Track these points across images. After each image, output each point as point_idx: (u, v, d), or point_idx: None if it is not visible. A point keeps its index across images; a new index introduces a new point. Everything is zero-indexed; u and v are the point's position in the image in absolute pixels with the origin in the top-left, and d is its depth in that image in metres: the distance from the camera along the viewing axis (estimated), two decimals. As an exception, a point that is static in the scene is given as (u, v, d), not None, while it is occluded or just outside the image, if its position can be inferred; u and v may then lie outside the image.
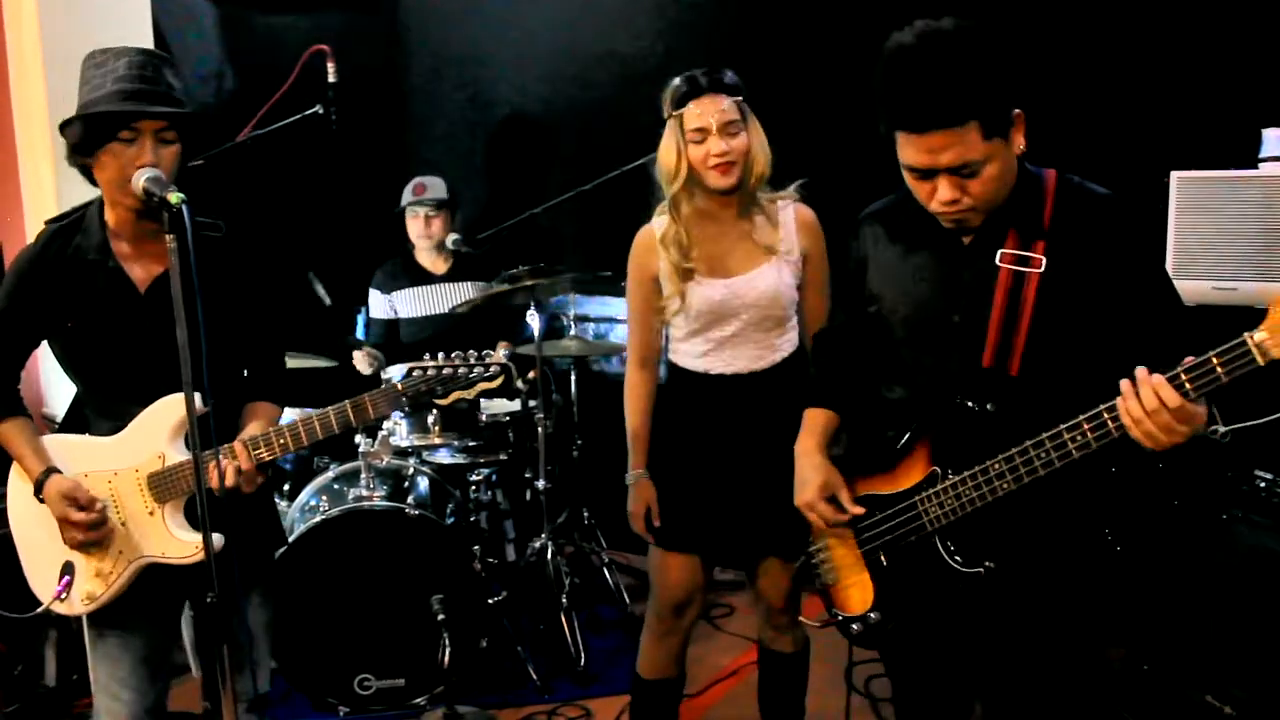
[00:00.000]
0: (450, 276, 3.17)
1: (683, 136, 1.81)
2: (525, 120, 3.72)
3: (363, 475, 2.58)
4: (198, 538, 1.49)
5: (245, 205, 2.16)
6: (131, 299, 1.56)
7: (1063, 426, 1.22)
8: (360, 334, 3.30)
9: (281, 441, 1.54)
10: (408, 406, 2.67)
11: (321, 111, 2.84)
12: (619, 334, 3.51)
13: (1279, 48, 2.38)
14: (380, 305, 3.19)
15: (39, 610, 1.60)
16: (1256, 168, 2.29)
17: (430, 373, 1.54)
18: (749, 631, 2.76)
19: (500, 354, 1.56)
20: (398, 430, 2.73)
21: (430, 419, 2.73)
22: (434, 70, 3.89)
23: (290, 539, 2.43)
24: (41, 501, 1.56)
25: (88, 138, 1.46)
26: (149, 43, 2.86)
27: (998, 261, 1.32)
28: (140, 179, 1.43)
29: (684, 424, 1.93)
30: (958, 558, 1.36)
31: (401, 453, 2.75)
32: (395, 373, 1.59)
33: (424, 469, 2.75)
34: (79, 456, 1.59)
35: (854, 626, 1.48)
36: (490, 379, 1.54)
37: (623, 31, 3.43)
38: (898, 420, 1.43)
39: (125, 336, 1.56)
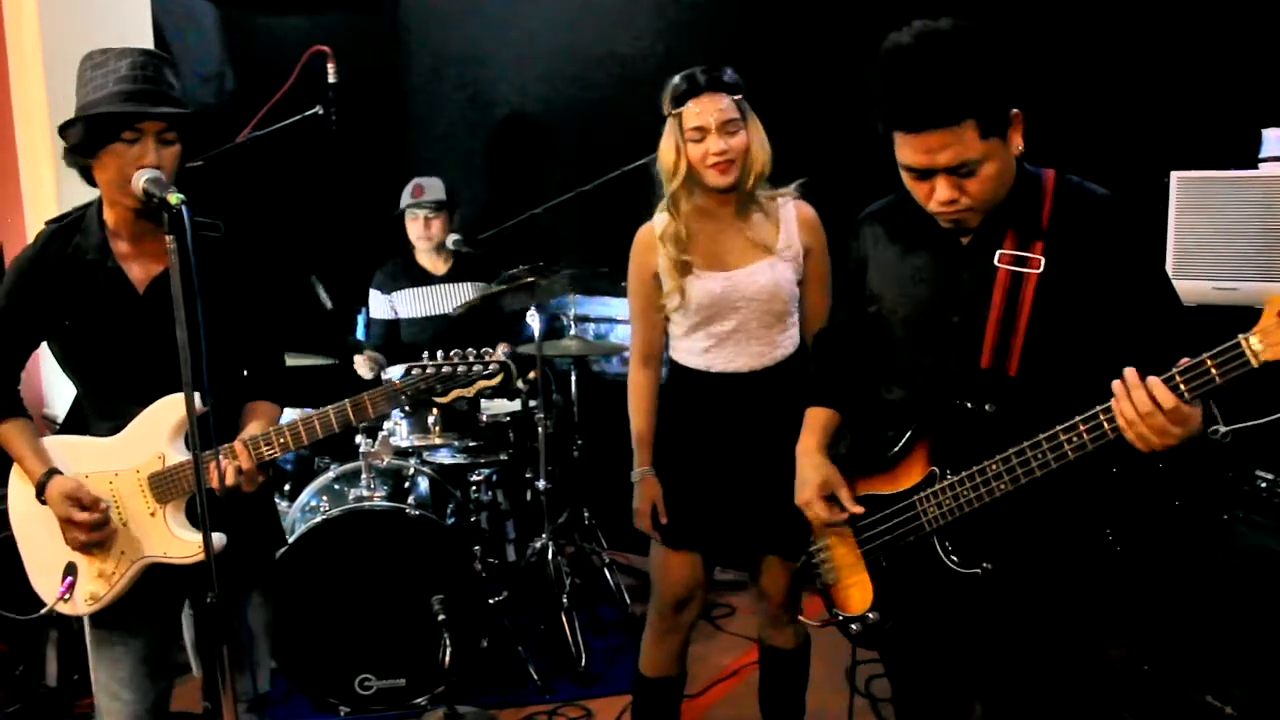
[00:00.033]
0: (450, 277, 3.17)
1: (682, 135, 1.81)
2: (525, 120, 3.72)
3: (363, 475, 2.58)
4: (200, 537, 1.49)
5: (245, 206, 2.16)
6: (130, 299, 1.56)
7: (1059, 428, 1.22)
8: (360, 334, 3.31)
9: (282, 441, 1.54)
10: (408, 405, 2.69)
11: (321, 112, 2.84)
12: (619, 334, 3.51)
13: (1279, 47, 2.38)
14: (380, 305, 3.19)
15: (43, 611, 1.60)
16: (1257, 168, 2.29)
17: (429, 371, 1.54)
18: (750, 632, 2.76)
19: (500, 353, 1.56)
20: (398, 430, 2.73)
21: (431, 419, 2.73)
22: (434, 70, 3.90)
23: (291, 539, 2.43)
24: (43, 503, 1.56)
25: (89, 138, 1.46)
26: (149, 43, 2.86)
27: (996, 262, 1.32)
28: (140, 180, 1.43)
29: (686, 423, 1.93)
30: (955, 558, 1.36)
31: (402, 453, 2.75)
32: (395, 373, 1.59)
33: (424, 469, 2.75)
34: (79, 457, 1.59)
35: (853, 626, 1.48)
36: (489, 377, 1.54)
37: (623, 31, 3.43)
38: (897, 420, 1.43)
39: (124, 336, 1.56)
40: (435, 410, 2.72)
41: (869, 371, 1.50)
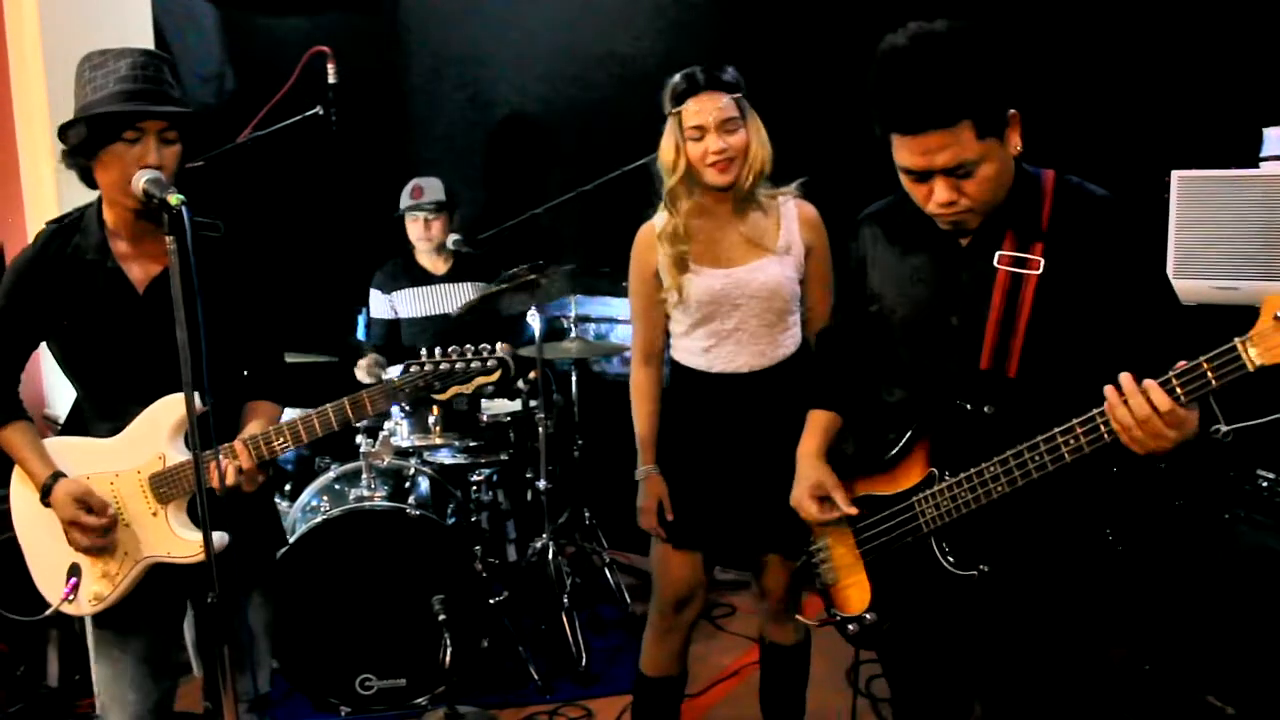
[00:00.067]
0: (451, 277, 3.17)
1: (681, 133, 1.81)
2: (525, 120, 3.72)
3: (364, 475, 2.58)
4: (201, 536, 1.49)
5: (246, 206, 2.16)
6: (130, 299, 1.56)
7: (1056, 431, 1.23)
8: (361, 334, 3.31)
9: (281, 440, 1.54)
10: (407, 403, 2.69)
11: (322, 112, 2.85)
12: (619, 334, 3.51)
13: (1279, 47, 2.38)
14: (381, 305, 3.19)
15: (48, 613, 1.61)
16: (1257, 167, 2.29)
17: (428, 368, 1.54)
18: (750, 632, 2.76)
19: (499, 350, 1.56)
20: (399, 430, 2.73)
21: (431, 419, 2.73)
22: (434, 70, 3.90)
23: (292, 539, 2.43)
24: (47, 505, 1.56)
25: (90, 139, 1.46)
26: (149, 43, 2.86)
27: (995, 263, 1.32)
28: (140, 180, 1.43)
29: (687, 423, 1.93)
30: (952, 559, 1.36)
31: (402, 453, 2.75)
32: (395, 373, 1.59)
33: (425, 469, 2.76)
34: (80, 459, 1.59)
35: (851, 627, 1.48)
36: (488, 374, 1.54)
37: (623, 31, 3.43)
38: (897, 421, 1.43)
39: (124, 337, 1.56)
40: (436, 410, 2.72)
41: (870, 372, 1.50)
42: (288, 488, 2.91)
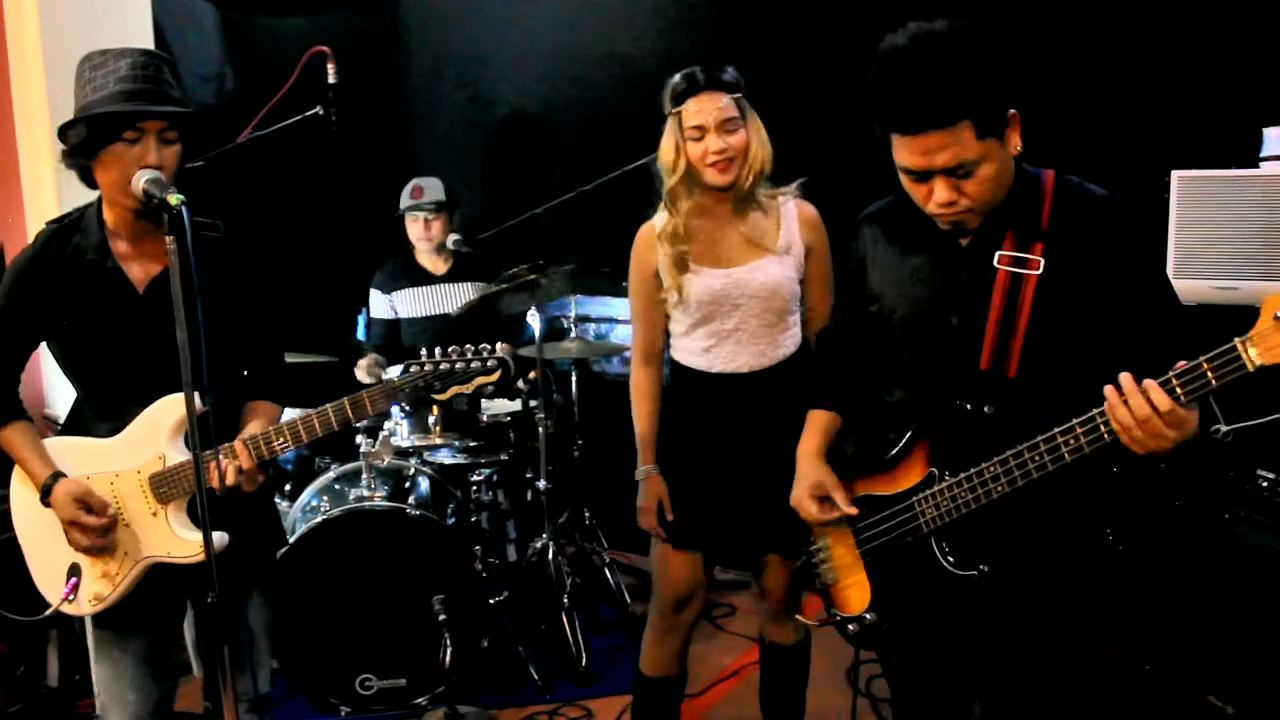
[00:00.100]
0: (451, 277, 3.17)
1: (681, 133, 1.82)
2: (525, 120, 3.72)
3: (364, 475, 2.58)
4: (201, 536, 1.49)
5: (246, 206, 2.16)
6: (130, 299, 1.56)
7: (1056, 431, 1.23)
8: (361, 334, 3.31)
9: (281, 440, 1.54)
10: (407, 402, 2.69)
11: (322, 112, 2.84)
12: (619, 334, 3.51)
13: (1279, 46, 2.38)
14: (381, 305, 3.19)
15: (48, 613, 1.61)
16: (1258, 167, 2.29)
17: (428, 368, 1.54)
18: (750, 632, 2.76)
19: (499, 349, 1.56)
20: (399, 430, 2.73)
21: (431, 419, 2.73)
22: (434, 70, 3.90)
23: (292, 539, 2.43)
24: (47, 505, 1.56)
25: (90, 139, 1.46)
26: (149, 43, 2.86)
27: (995, 263, 1.32)
28: (140, 180, 1.43)
29: (687, 423, 1.93)
30: (952, 559, 1.36)
31: (403, 453, 2.75)
32: (395, 373, 1.59)
33: (425, 469, 2.76)
34: (80, 459, 1.59)
35: (850, 627, 1.48)
36: (488, 373, 1.54)
37: (623, 31, 3.43)
38: (897, 421, 1.43)
39: (124, 336, 1.56)
40: (436, 410, 2.72)
41: (870, 372, 1.50)
42: (288, 488, 2.91)
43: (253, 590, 1.69)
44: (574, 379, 3.27)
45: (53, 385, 2.76)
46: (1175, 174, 2.28)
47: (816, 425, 1.55)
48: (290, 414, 1.64)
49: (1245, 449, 2.08)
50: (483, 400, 2.86)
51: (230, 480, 1.50)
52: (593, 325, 3.57)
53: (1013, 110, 1.26)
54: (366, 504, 2.51)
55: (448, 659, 2.35)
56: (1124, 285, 1.28)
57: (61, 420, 1.70)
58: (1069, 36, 2.64)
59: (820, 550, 1.54)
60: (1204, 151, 2.36)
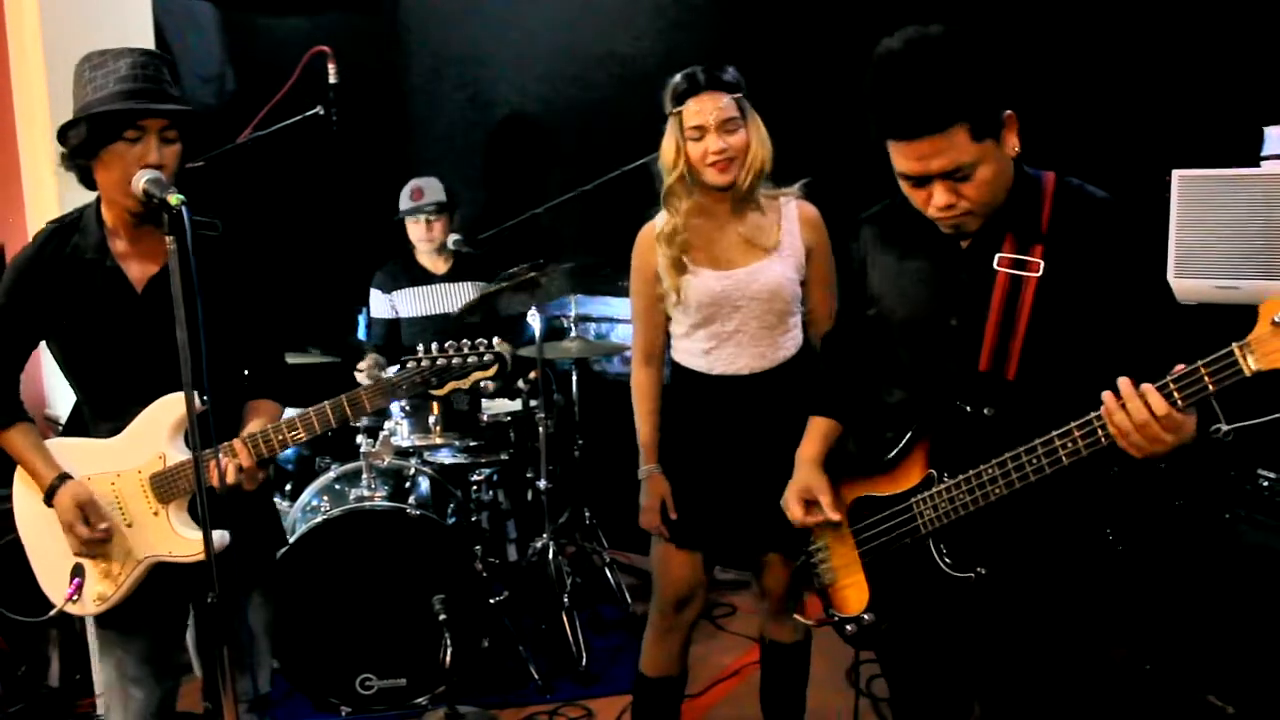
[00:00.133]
0: (451, 276, 3.17)
1: (682, 133, 1.82)
2: (525, 120, 3.72)
3: (364, 475, 2.58)
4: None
5: (246, 206, 2.17)
6: (129, 298, 1.56)
7: (1055, 433, 1.23)
8: (361, 334, 3.31)
9: (280, 438, 1.54)
10: (404, 398, 2.68)
11: (322, 112, 2.84)
12: (619, 334, 3.51)
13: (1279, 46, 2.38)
14: (381, 305, 3.20)
15: (52, 613, 1.61)
16: (1258, 166, 2.28)
17: (424, 364, 1.54)
18: (751, 631, 2.76)
19: (495, 344, 1.55)
20: (399, 430, 2.73)
21: (431, 419, 2.73)
22: (434, 70, 3.90)
23: (292, 539, 2.43)
24: (50, 506, 1.56)
25: (91, 138, 1.46)
26: (150, 44, 2.86)
27: (995, 265, 1.32)
28: (140, 180, 1.43)
29: (688, 424, 1.93)
30: (949, 561, 1.36)
31: (403, 453, 2.75)
32: (394, 372, 1.59)
33: (425, 469, 2.76)
34: (81, 459, 1.60)
35: (848, 627, 1.48)
36: (485, 368, 1.54)
37: (623, 31, 3.43)
38: (897, 422, 1.43)
39: (123, 336, 1.56)
40: (436, 410, 2.72)
41: (872, 376, 1.50)
42: (288, 488, 2.91)
43: (253, 590, 1.70)
44: (574, 379, 3.27)
45: (53, 385, 2.76)
46: (1176, 173, 2.28)
47: (817, 431, 1.56)
48: (290, 414, 1.64)
49: (1246, 448, 2.08)
50: (483, 400, 2.86)
51: (230, 479, 1.50)
52: (593, 325, 3.57)
53: (1008, 111, 1.25)
54: (367, 504, 2.51)
55: (448, 659, 2.35)
56: (1123, 288, 1.28)
57: (63, 421, 1.70)
58: (1070, 36, 2.64)
59: (819, 550, 1.54)
60: (1205, 150, 2.36)
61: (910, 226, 1.38)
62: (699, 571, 1.94)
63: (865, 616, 1.46)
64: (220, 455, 1.46)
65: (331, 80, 2.87)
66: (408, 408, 2.73)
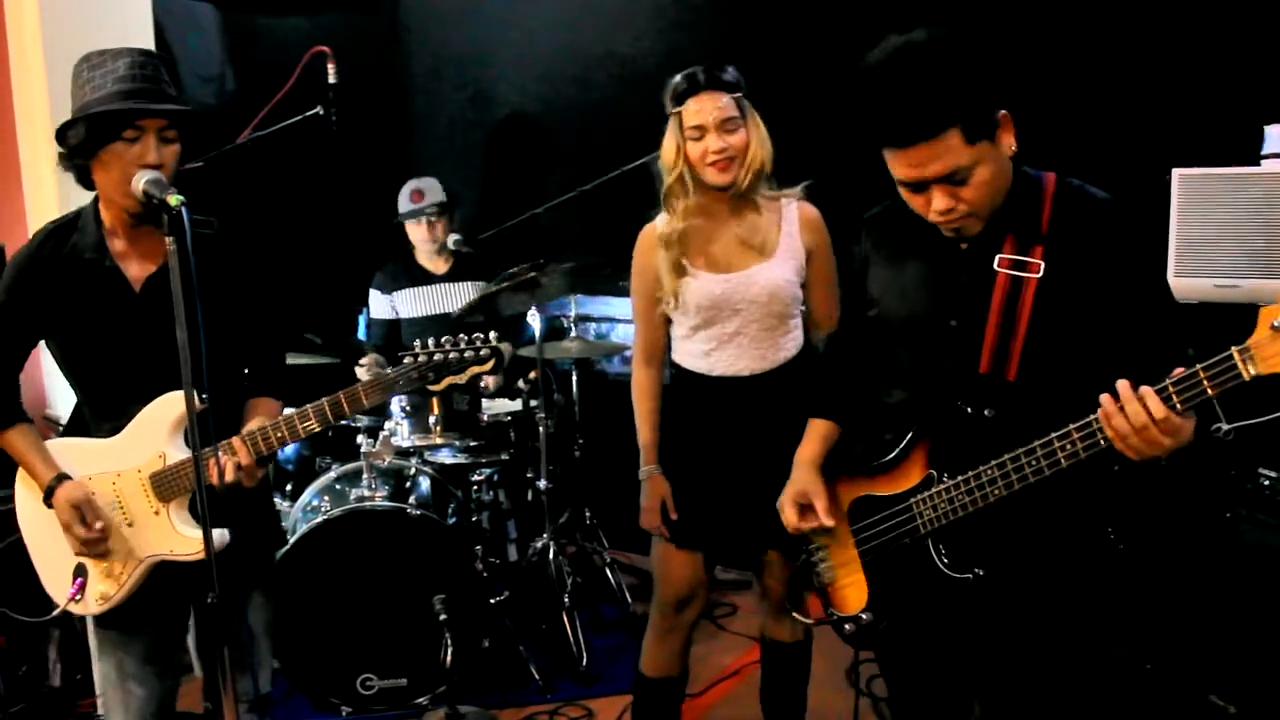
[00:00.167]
0: (451, 276, 3.17)
1: (682, 133, 1.82)
2: (525, 120, 3.72)
3: (365, 475, 2.58)
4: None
5: (246, 206, 2.17)
6: (127, 298, 1.56)
7: (1054, 435, 1.23)
8: (362, 334, 3.31)
9: (279, 435, 1.54)
10: (404, 396, 2.69)
11: (322, 112, 2.84)
12: (620, 334, 3.51)
13: (1280, 44, 2.37)
14: (381, 306, 3.20)
15: (55, 613, 1.61)
16: (1258, 164, 2.28)
17: (421, 359, 1.54)
18: (752, 631, 2.76)
19: (491, 338, 1.55)
20: (400, 430, 2.73)
21: (432, 419, 2.73)
22: (434, 70, 3.90)
23: (292, 539, 2.43)
24: (50, 506, 1.56)
25: (90, 138, 1.46)
26: (150, 44, 2.86)
27: (995, 266, 1.32)
28: (140, 181, 1.43)
29: (688, 425, 1.93)
30: (947, 561, 1.36)
31: (403, 453, 2.75)
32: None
33: (426, 469, 2.76)
34: (81, 459, 1.60)
35: (847, 626, 1.48)
36: (481, 362, 1.53)
37: (623, 31, 3.43)
38: (897, 423, 1.43)
39: (122, 335, 1.56)
40: (436, 410, 2.72)
41: (873, 375, 1.50)
42: (289, 487, 2.91)
43: (253, 590, 1.69)
44: (574, 379, 3.27)
45: (53, 386, 2.76)
46: (1176, 172, 2.28)
47: (816, 433, 1.56)
48: (289, 413, 1.64)
49: (1247, 447, 2.08)
50: (483, 400, 2.86)
51: (229, 476, 1.50)
52: (593, 325, 3.57)
53: (1003, 111, 1.25)
54: (367, 504, 2.51)
55: (448, 659, 2.35)
56: (1124, 289, 1.28)
57: (63, 421, 1.70)
58: (1069, 35, 2.63)
59: (819, 549, 1.54)
60: (1205, 149, 2.36)
61: (911, 228, 1.38)
62: (699, 572, 1.94)
63: (864, 616, 1.46)
64: (219, 453, 1.46)
65: (331, 80, 2.86)
66: (408, 408, 2.73)
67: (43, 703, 2.45)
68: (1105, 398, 1.17)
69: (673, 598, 1.95)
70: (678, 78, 1.84)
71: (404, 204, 3.12)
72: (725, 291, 1.84)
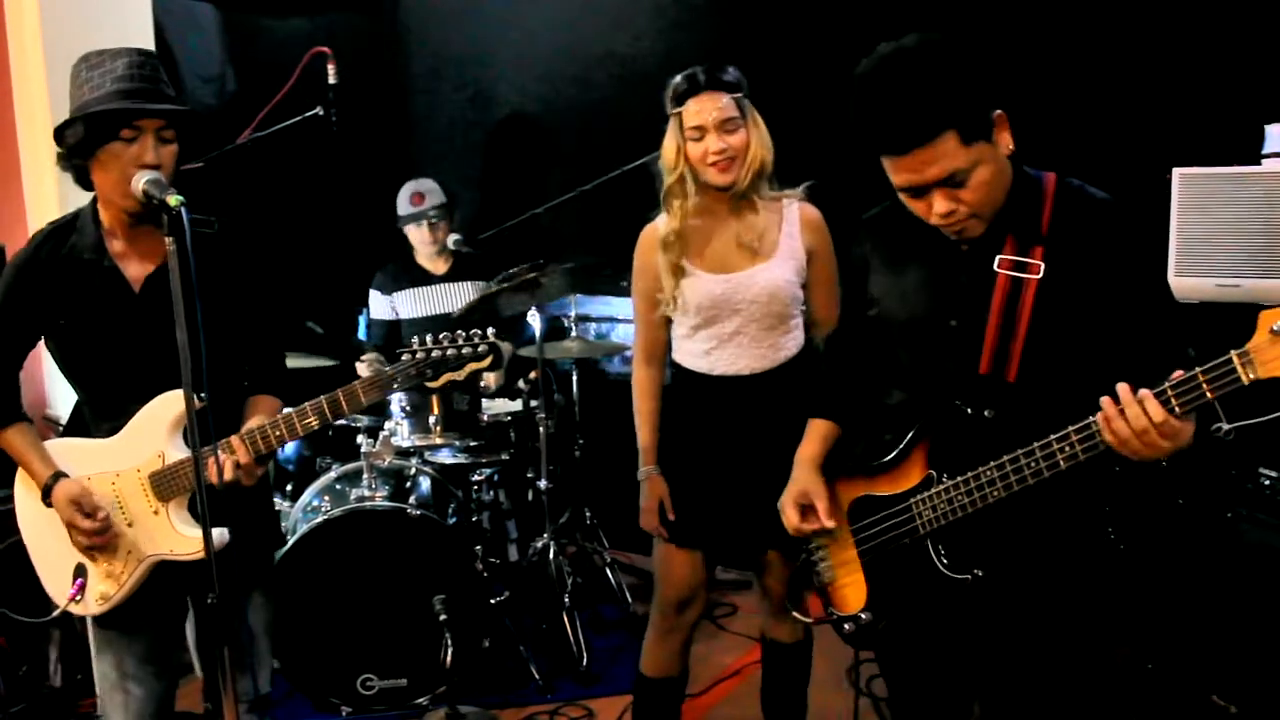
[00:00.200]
0: (451, 276, 3.17)
1: (682, 134, 1.82)
2: (525, 120, 3.72)
3: (365, 475, 2.58)
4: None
5: (246, 206, 2.17)
6: (127, 298, 1.56)
7: (1053, 437, 1.23)
8: (362, 334, 3.31)
9: (278, 433, 1.54)
10: (406, 399, 2.69)
11: (322, 113, 2.84)
12: (620, 334, 3.51)
13: (1281, 43, 2.37)
14: (381, 306, 3.20)
15: (55, 614, 1.61)
16: (1259, 164, 2.28)
17: (419, 356, 1.53)
18: (752, 631, 2.76)
19: (489, 334, 1.55)
20: (400, 430, 2.73)
21: (432, 419, 2.73)
22: (434, 70, 3.90)
23: (293, 539, 2.43)
24: (49, 506, 1.57)
25: (89, 138, 1.46)
26: (150, 44, 2.86)
27: (995, 267, 1.32)
28: (140, 181, 1.43)
29: (689, 424, 1.93)
30: (946, 562, 1.36)
31: (403, 453, 2.75)
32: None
33: (426, 469, 2.75)
34: (81, 460, 1.60)
35: (846, 626, 1.48)
36: (479, 359, 1.53)
37: (623, 31, 3.43)
38: (897, 423, 1.43)
39: (121, 335, 1.56)
40: (436, 410, 2.72)
41: (873, 376, 1.50)
42: (289, 487, 2.91)
43: (253, 590, 1.69)
44: (575, 379, 3.27)
45: (53, 386, 2.76)
46: (1177, 171, 2.27)
47: (816, 433, 1.56)
48: (288, 411, 1.64)
49: (1247, 447, 2.08)
50: (483, 400, 2.86)
51: (228, 475, 1.49)
52: (593, 325, 3.57)
53: (998, 111, 1.25)
54: (367, 504, 2.51)
55: (449, 659, 2.35)
56: (1124, 290, 1.28)
57: (63, 421, 1.70)
58: (1069, 35, 2.63)
59: (819, 548, 1.54)
60: (1205, 149, 2.35)
61: (910, 229, 1.38)
62: (700, 573, 1.93)
63: (863, 615, 1.46)
64: (219, 452, 1.46)
65: (331, 80, 2.86)
66: (408, 408, 2.73)
67: (43, 703, 2.45)
68: (1105, 401, 1.17)
69: (674, 599, 1.95)
70: (678, 78, 1.84)
71: (404, 207, 3.12)
72: (725, 291, 1.84)
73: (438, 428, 2.73)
